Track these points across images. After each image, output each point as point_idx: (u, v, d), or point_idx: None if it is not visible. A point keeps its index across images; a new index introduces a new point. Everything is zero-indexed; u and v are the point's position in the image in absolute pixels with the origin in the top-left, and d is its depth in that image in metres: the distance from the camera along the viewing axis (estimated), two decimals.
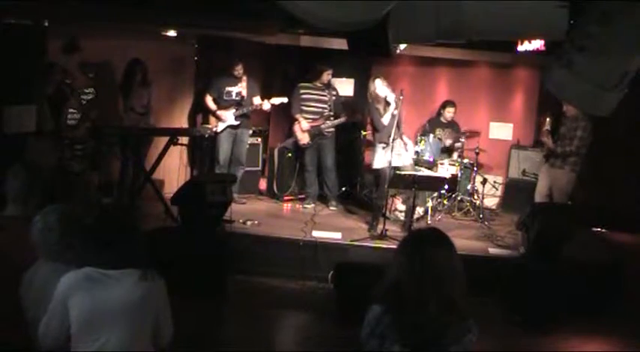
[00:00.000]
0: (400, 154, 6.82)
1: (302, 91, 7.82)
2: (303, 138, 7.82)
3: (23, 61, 5.51)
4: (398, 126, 6.76)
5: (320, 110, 7.81)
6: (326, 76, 7.81)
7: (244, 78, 7.65)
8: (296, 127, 7.86)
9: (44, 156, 4.43)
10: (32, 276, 2.77)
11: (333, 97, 7.87)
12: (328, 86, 7.90)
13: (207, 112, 7.81)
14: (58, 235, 2.76)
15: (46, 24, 5.88)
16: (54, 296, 2.57)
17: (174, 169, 7.82)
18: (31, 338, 2.72)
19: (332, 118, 7.83)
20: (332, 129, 7.89)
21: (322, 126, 7.78)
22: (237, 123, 7.64)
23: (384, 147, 6.73)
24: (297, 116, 7.79)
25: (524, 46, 7.45)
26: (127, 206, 3.35)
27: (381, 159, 6.78)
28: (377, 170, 6.90)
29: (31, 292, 2.75)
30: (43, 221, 2.78)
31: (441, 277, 2.33)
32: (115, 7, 5.83)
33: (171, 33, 7.36)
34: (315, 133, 7.79)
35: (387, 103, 6.77)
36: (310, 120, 7.79)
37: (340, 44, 6.18)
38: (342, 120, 7.84)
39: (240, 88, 7.62)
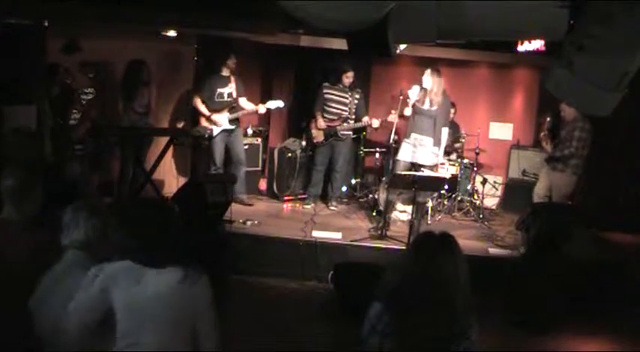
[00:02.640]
0: (418, 151, 6.97)
1: (325, 91, 7.82)
2: (318, 136, 7.84)
3: (23, 61, 5.50)
4: (434, 124, 6.94)
5: (339, 112, 7.79)
6: (345, 79, 7.73)
7: (232, 78, 7.58)
8: (312, 124, 7.89)
9: (22, 151, 4.36)
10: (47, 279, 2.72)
11: (355, 100, 7.81)
12: (352, 88, 7.82)
13: (196, 115, 7.55)
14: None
15: (46, 24, 5.88)
16: (94, 284, 2.47)
17: (174, 169, 7.82)
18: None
19: (350, 121, 7.81)
20: (348, 132, 7.88)
21: (338, 127, 7.78)
22: (233, 127, 7.57)
23: (407, 142, 6.97)
24: (317, 114, 7.81)
25: (524, 46, 7.44)
26: (167, 200, 3.20)
27: (403, 152, 7.00)
28: (396, 166, 7.04)
29: (42, 297, 2.70)
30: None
31: (445, 280, 2.34)
32: (115, 7, 5.82)
33: (172, 33, 7.35)
34: (330, 134, 7.79)
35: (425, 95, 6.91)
36: (327, 121, 7.79)
37: (340, 44, 6.17)
38: (360, 124, 7.81)
39: (230, 89, 7.53)
